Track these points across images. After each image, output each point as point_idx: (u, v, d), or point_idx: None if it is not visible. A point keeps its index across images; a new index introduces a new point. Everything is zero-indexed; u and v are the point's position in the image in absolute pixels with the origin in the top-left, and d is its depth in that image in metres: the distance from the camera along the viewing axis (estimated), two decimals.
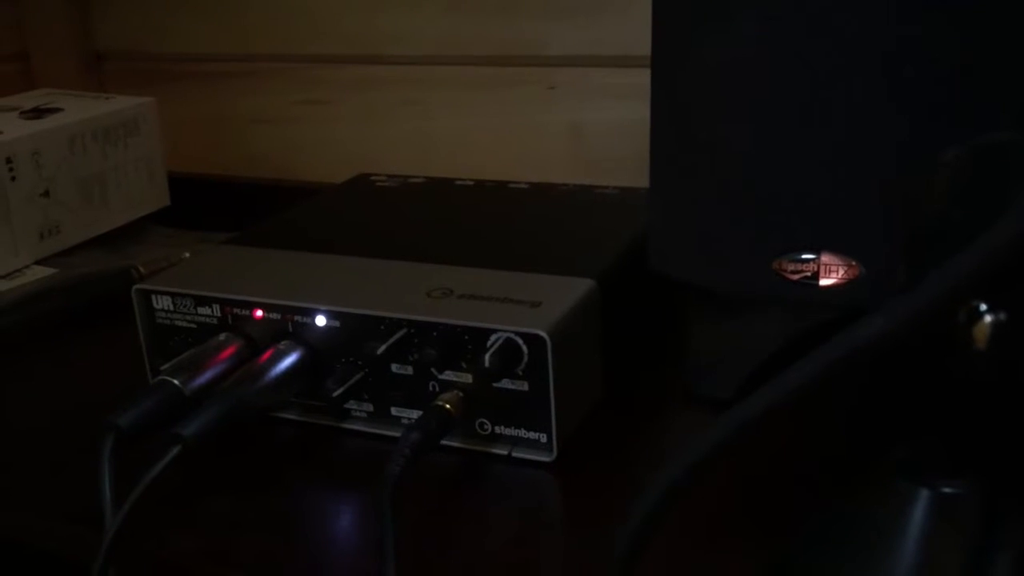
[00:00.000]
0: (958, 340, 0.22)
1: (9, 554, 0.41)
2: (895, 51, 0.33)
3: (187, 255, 0.59)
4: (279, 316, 0.41)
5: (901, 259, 0.26)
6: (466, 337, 0.38)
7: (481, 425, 0.40)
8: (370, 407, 0.41)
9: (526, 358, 0.38)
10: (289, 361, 0.40)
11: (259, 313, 0.42)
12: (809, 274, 0.36)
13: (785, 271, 0.36)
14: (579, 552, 0.34)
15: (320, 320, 0.41)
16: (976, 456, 0.25)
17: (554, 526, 0.36)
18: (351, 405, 0.42)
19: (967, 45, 0.32)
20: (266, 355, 0.40)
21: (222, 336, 0.42)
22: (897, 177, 0.34)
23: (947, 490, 0.25)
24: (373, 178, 0.60)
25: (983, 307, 0.22)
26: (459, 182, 0.58)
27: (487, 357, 0.37)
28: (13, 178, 0.58)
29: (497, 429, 0.39)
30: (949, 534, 0.25)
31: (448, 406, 0.38)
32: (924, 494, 0.25)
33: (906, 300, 0.19)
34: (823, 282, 0.36)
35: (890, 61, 0.33)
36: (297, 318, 0.41)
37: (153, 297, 0.44)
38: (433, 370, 0.39)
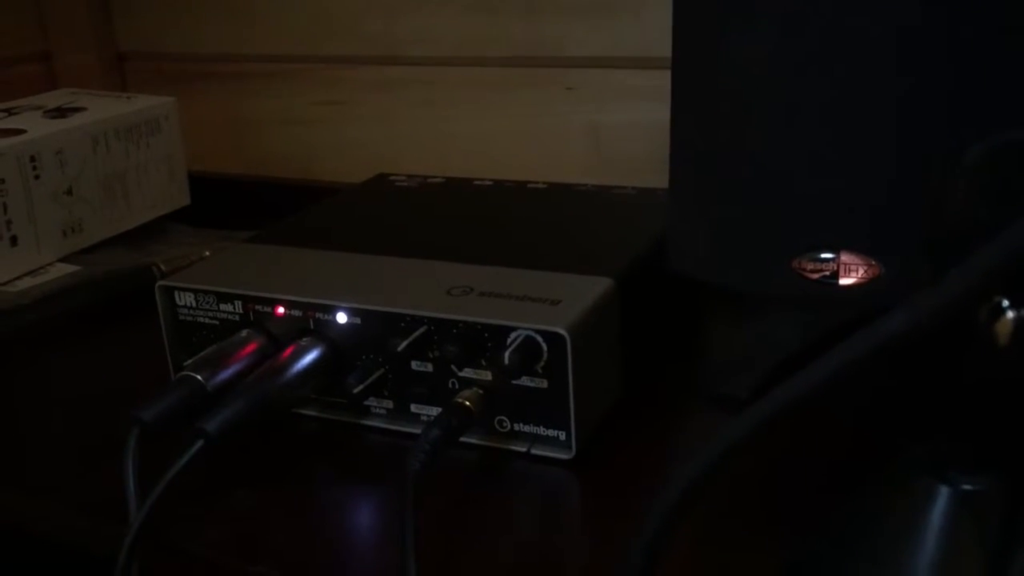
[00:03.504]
0: (980, 336, 0.22)
1: (34, 547, 0.42)
2: (916, 50, 0.33)
3: (207, 253, 0.60)
4: (300, 313, 0.42)
5: (924, 257, 0.26)
6: (486, 335, 0.38)
7: (500, 422, 0.40)
8: (390, 404, 0.42)
9: (545, 356, 0.38)
10: (310, 358, 0.41)
11: (281, 310, 0.42)
12: (829, 273, 0.36)
13: (805, 270, 0.36)
14: (598, 549, 0.34)
15: (341, 317, 0.41)
16: (998, 452, 0.25)
17: (573, 523, 0.36)
18: (371, 402, 0.42)
19: (989, 44, 0.32)
20: (287, 351, 0.41)
21: (244, 332, 0.43)
22: (918, 175, 0.34)
23: (968, 486, 0.25)
24: (392, 178, 0.60)
25: (1005, 303, 0.22)
26: (478, 182, 0.59)
27: (507, 355, 0.37)
28: (37, 176, 0.58)
29: (516, 426, 0.40)
30: (970, 530, 0.25)
31: (468, 403, 0.38)
32: (945, 490, 0.25)
33: (928, 295, 0.19)
34: (843, 281, 0.36)
35: (911, 60, 0.33)
36: (318, 315, 0.42)
37: (176, 294, 0.44)
38: (453, 367, 0.40)
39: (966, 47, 0.33)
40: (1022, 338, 0.22)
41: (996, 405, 0.24)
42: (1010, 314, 0.22)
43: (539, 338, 0.38)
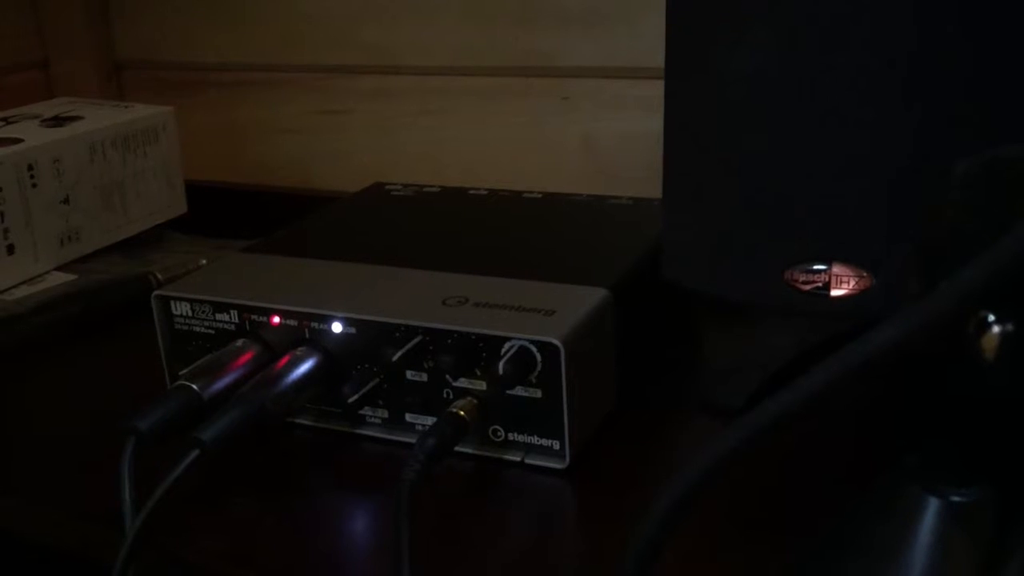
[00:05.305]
0: (967, 351, 0.22)
1: (31, 554, 0.42)
2: (909, 62, 0.33)
3: (204, 262, 0.60)
4: (296, 323, 0.42)
5: (913, 270, 0.27)
6: (481, 345, 0.39)
7: (495, 432, 0.40)
8: (385, 413, 0.42)
9: (540, 366, 0.38)
10: (306, 367, 0.41)
11: (276, 319, 0.42)
12: (820, 285, 0.36)
13: (796, 281, 0.37)
14: (592, 558, 0.35)
15: (336, 327, 0.41)
16: (988, 464, 0.26)
17: (567, 532, 0.36)
18: (366, 411, 0.42)
19: (983, 56, 0.33)
20: (283, 361, 0.41)
21: (240, 342, 0.43)
22: (910, 189, 0.34)
23: (958, 498, 0.25)
24: (388, 187, 0.61)
25: (991, 318, 0.22)
26: (473, 191, 0.59)
27: (501, 364, 0.38)
28: (34, 185, 0.58)
29: (511, 436, 0.40)
30: (960, 542, 0.25)
31: (462, 413, 0.38)
32: (935, 502, 0.26)
33: (915, 310, 0.19)
34: (834, 293, 0.36)
35: (904, 72, 0.33)
36: (314, 324, 0.42)
37: (172, 303, 0.44)
38: (448, 377, 0.40)
39: (961, 59, 0.33)
40: (1008, 352, 0.22)
41: (985, 417, 0.25)
42: (996, 329, 0.22)
43: (533, 348, 0.38)
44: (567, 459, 0.39)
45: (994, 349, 0.22)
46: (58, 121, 0.64)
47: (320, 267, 0.47)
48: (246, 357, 0.42)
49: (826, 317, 0.36)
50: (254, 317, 0.43)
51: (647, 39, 0.62)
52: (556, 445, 0.39)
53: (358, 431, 0.43)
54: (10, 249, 0.57)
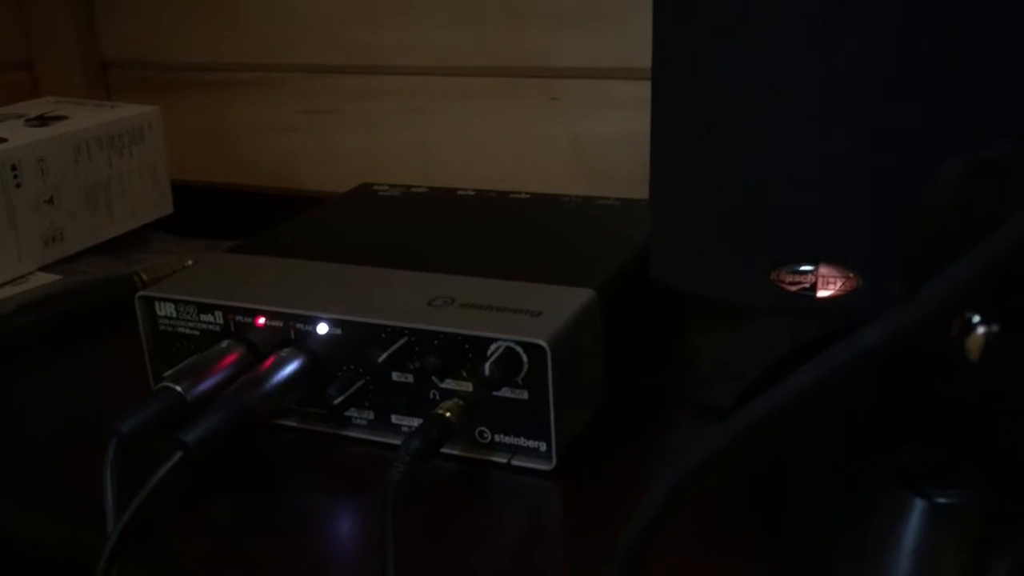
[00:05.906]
0: (952, 351, 0.22)
1: (14, 556, 0.42)
2: (897, 64, 0.33)
3: (190, 263, 0.60)
4: (281, 323, 0.42)
5: (899, 271, 0.27)
6: (467, 346, 0.38)
7: (481, 433, 0.40)
8: (371, 415, 0.42)
9: (526, 367, 0.38)
10: (291, 368, 0.41)
11: (261, 320, 0.42)
12: (807, 286, 0.36)
13: (783, 282, 0.37)
14: (579, 560, 0.34)
15: (322, 328, 0.41)
16: (973, 465, 0.26)
17: (553, 534, 0.36)
18: (352, 413, 0.42)
19: (970, 59, 0.33)
20: (268, 362, 0.41)
21: (224, 343, 0.42)
22: (897, 190, 0.34)
23: (943, 500, 0.25)
24: (375, 187, 0.60)
25: (976, 319, 0.22)
26: (461, 192, 0.59)
27: (487, 366, 0.37)
28: (18, 185, 0.58)
29: (497, 437, 0.40)
30: (945, 544, 0.25)
31: (448, 414, 0.38)
32: (920, 503, 0.25)
33: (900, 311, 0.19)
34: (821, 294, 0.36)
35: (892, 74, 0.33)
36: (299, 326, 0.41)
37: (156, 304, 0.44)
38: (434, 378, 0.40)
39: (948, 61, 0.33)
40: (993, 353, 0.22)
41: (971, 420, 0.25)
42: (981, 329, 0.22)
43: (519, 349, 0.38)
44: (554, 461, 0.39)
45: (979, 350, 0.22)
46: (42, 121, 0.63)
47: (306, 268, 0.46)
48: (231, 358, 0.42)
49: (813, 318, 0.36)
50: (239, 318, 0.43)
51: (636, 39, 0.62)
52: (543, 447, 0.39)
53: (344, 433, 0.42)
54: None
